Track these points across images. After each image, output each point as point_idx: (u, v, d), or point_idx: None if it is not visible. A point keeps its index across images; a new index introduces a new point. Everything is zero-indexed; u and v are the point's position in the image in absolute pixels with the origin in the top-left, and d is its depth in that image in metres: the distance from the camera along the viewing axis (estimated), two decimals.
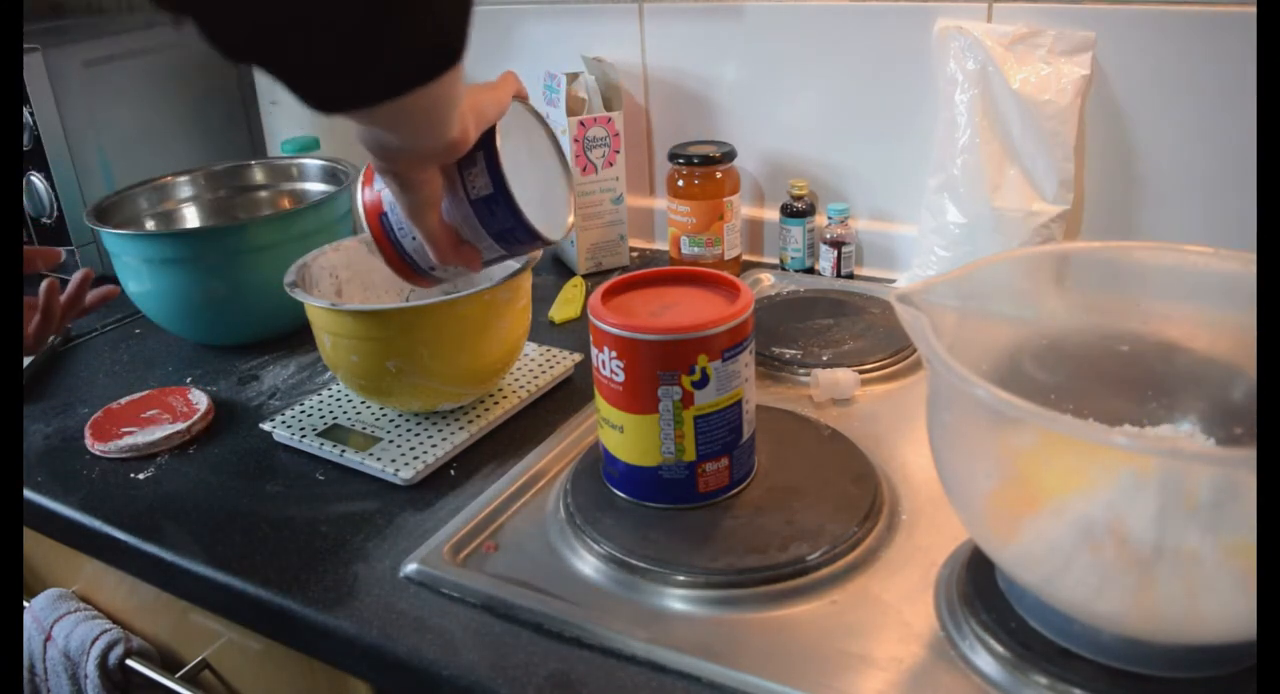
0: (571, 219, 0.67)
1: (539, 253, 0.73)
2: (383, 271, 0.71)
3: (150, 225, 1.01)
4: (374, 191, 0.63)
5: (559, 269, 1.09)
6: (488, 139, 0.58)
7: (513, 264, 0.73)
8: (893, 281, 0.99)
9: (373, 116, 0.46)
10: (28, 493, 0.72)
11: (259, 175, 1.09)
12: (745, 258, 1.07)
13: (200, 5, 0.38)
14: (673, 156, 0.99)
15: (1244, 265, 0.52)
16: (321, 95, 0.44)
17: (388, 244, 0.63)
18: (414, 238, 0.62)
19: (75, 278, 0.74)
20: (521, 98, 0.63)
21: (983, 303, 0.54)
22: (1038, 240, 0.86)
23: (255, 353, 0.92)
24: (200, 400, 0.81)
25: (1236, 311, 0.52)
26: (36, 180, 1.07)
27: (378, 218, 0.63)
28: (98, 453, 0.76)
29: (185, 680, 0.72)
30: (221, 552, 0.64)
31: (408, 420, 0.75)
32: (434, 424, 0.74)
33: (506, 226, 0.59)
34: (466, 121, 0.54)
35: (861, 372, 0.78)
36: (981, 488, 0.49)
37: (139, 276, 0.89)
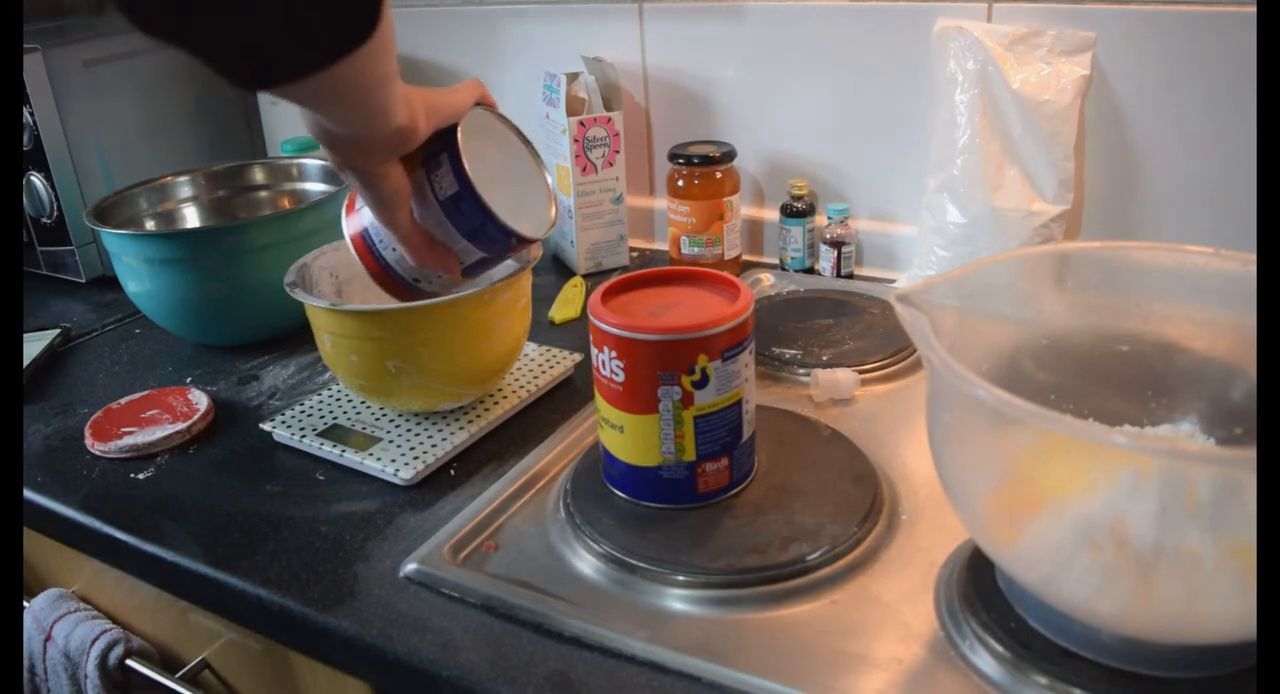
0: (553, 217, 0.68)
1: (538, 252, 0.73)
2: None
3: (150, 225, 1.01)
4: (357, 213, 0.66)
5: (559, 269, 1.09)
6: (451, 140, 0.59)
7: (512, 264, 0.73)
8: (893, 281, 0.99)
9: (298, 95, 0.47)
10: (28, 493, 0.72)
11: (259, 175, 1.09)
12: (745, 258, 1.07)
13: None
14: (673, 156, 0.99)
15: (1244, 265, 0.52)
16: (239, 74, 0.44)
17: (371, 259, 0.66)
18: (393, 249, 0.64)
19: None
20: (489, 105, 0.64)
21: (983, 303, 0.54)
22: (1038, 240, 0.86)
23: (255, 353, 0.92)
24: (200, 400, 0.81)
25: (1236, 312, 0.52)
26: (36, 180, 1.07)
27: (360, 236, 0.66)
28: (98, 453, 0.76)
29: (185, 680, 0.72)
30: (221, 552, 0.64)
31: (408, 420, 0.75)
32: (434, 424, 0.74)
33: (476, 224, 0.61)
34: (415, 112, 0.54)
35: (861, 372, 0.78)
36: (981, 488, 0.49)
37: (139, 276, 0.89)
